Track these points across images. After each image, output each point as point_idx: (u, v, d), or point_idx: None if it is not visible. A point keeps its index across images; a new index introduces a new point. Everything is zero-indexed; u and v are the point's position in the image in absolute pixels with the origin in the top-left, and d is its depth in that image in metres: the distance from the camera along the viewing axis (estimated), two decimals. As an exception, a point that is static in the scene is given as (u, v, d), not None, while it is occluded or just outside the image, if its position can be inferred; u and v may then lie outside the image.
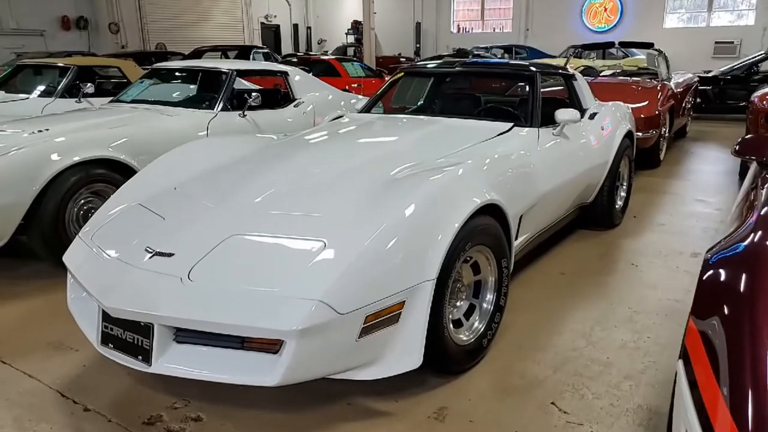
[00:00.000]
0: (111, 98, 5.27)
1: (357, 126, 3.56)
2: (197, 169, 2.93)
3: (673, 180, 6.31)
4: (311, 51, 26.55)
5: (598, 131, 4.10)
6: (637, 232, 4.47)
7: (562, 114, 3.50)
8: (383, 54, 25.49)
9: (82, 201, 3.68)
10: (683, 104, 7.97)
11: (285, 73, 5.57)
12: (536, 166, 3.15)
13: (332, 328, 1.93)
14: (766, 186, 2.24)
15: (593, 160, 3.95)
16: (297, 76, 5.67)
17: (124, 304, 2.05)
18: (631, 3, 21.29)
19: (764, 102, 5.63)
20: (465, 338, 2.49)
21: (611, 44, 9.09)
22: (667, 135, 7.04)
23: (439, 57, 15.04)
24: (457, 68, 4.05)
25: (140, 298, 2.06)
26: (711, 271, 1.65)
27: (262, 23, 25.62)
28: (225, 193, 2.57)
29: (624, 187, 4.67)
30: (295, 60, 11.67)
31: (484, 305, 2.61)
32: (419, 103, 4.24)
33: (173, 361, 2.04)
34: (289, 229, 2.23)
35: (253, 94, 4.85)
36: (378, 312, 2.03)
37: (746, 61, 11.53)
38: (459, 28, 26.02)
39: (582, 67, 8.90)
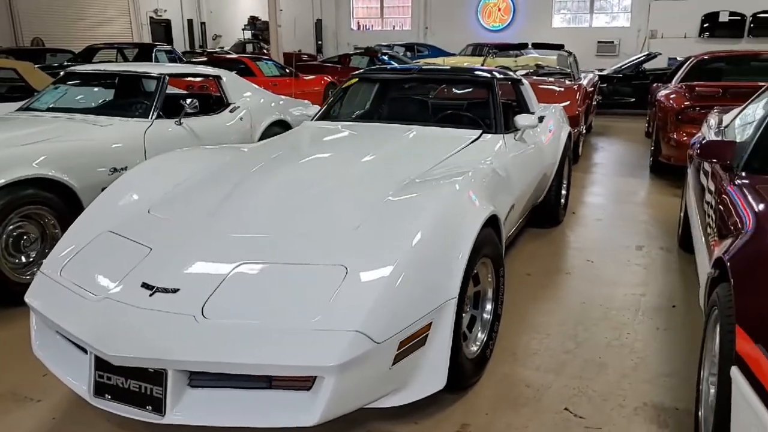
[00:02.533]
0: (19, 106, 4.72)
1: (329, 136, 3.43)
2: (166, 189, 2.69)
3: (594, 175, 6.69)
4: (206, 47, 25.48)
5: (546, 134, 4.25)
6: (580, 228, 4.69)
7: (523, 120, 3.59)
8: (284, 51, 25.03)
9: (11, 227, 3.26)
10: (593, 102, 8.49)
11: (218, 77, 5.28)
12: (508, 171, 3.20)
13: (369, 358, 1.84)
14: (737, 187, 2.40)
15: (546, 162, 4.09)
16: (229, 79, 5.39)
17: (131, 350, 1.83)
18: (522, 3, 22.37)
19: (671, 101, 6.10)
20: (474, 350, 2.48)
21: (525, 45, 9.48)
22: (584, 132, 7.47)
23: (365, 53, 14.92)
24: (414, 74, 4.03)
25: (150, 342, 1.84)
26: (744, 278, 1.73)
27: (150, 18, 24.21)
28: (210, 216, 2.37)
29: (565, 185, 4.89)
30: (204, 59, 11.12)
31: (485, 315, 2.61)
32: (379, 110, 4.17)
33: (192, 408, 1.85)
34: (301, 255, 2.09)
35: (188, 100, 4.54)
36: (409, 337, 1.96)
37: (632, 61, 12.51)
38: (359, 26, 26.07)
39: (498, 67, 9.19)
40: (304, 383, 1.86)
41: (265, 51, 22.65)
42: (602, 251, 4.14)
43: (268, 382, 1.88)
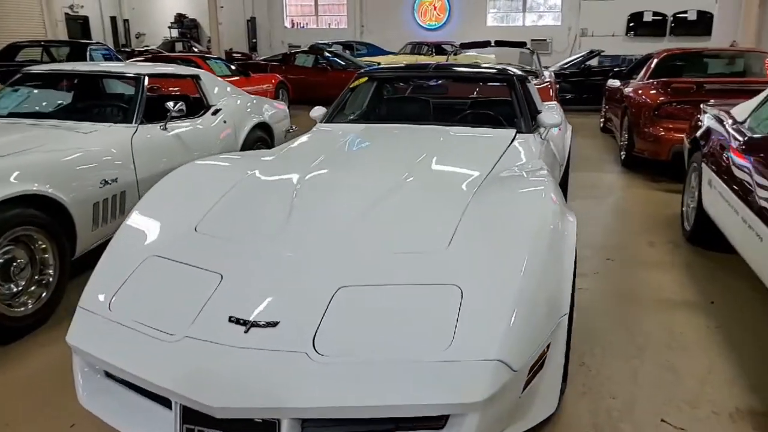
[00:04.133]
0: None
1: (363, 140, 3.17)
2: (204, 204, 2.37)
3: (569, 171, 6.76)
4: (130, 46, 24.13)
5: (557, 132, 4.18)
6: (580, 226, 4.66)
7: (548, 119, 3.49)
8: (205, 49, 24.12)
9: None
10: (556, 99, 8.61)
11: (196, 76, 4.88)
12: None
13: (507, 389, 1.65)
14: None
15: (560, 160, 4.02)
16: (207, 79, 5.01)
17: (237, 400, 1.55)
18: (457, 2, 22.63)
19: (646, 97, 6.24)
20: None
21: (488, 43, 9.50)
22: (554, 129, 7.55)
23: (310, 51, 14.49)
24: (431, 72, 3.84)
25: (258, 388, 1.57)
26: None
27: (66, 14, 22.67)
28: (279, 235, 2.10)
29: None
30: (140, 58, 10.44)
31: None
32: (398, 111, 3.93)
33: (310, 462, 1.60)
34: (403, 276, 1.87)
35: (169, 103, 4.16)
36: (536, 361, 1.79)
37: (576, 59, 12.88)
38: (293, 24, 25.55)
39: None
40: (436, 422, 1.65)
41: (195, 50, 21.77)
42: (617, 249, 4.11)
43: (394, 424, 1.65)
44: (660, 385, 2.46)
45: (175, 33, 25.11)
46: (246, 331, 1.69)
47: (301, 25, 25.50)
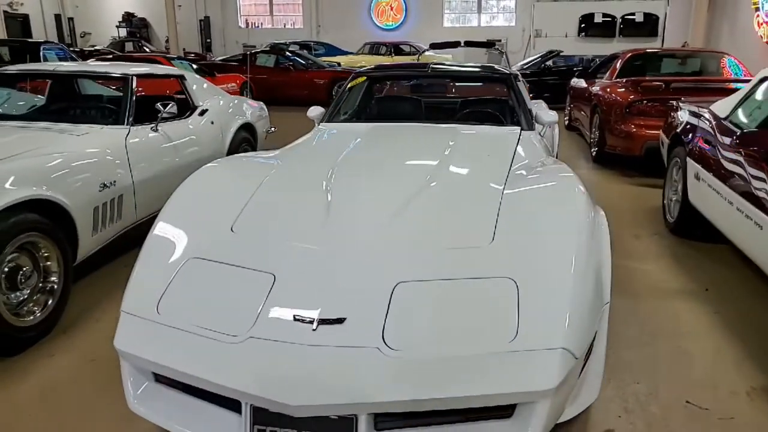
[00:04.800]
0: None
1: (376, 138, 3.17)
2: (234, 204, 2.33)
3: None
4: (76, 46, 23.24)
5: (550, 128, 4.30)
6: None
7: (546, 116, 3.60)
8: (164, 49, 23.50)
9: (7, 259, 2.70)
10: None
11: (181, 77, 4.77)
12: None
13: (571, 375, 1.71)
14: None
15: (553, 155, 4.14)
16: (191, 79, 4.91)
17: (315, 397, 1.55)
18: (414, 3, 22.82)
19: (617, 95, 6.48)
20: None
21: (458, 43, 9.59)
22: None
23: (271, 51, 14.30)
24: (430, 71, 3.89)
25: (335, 384, 1.58)
26: None
27: (5, 12, 21.66)
28: (323, 232, 2.10)
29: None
30: (111, 57, 10.10)
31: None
32: (400, 110, 3.93)
33: (386, 456, 1.61)
34: (455, 270, 1.90)
35: (158, 104, 4.07)
36: (588, 348, 1.86)
37: (536, 59, 13.20)
38: (248, 23, 25.18)
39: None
40: (502, 412, 1.69)
41: (147, 50, 21.17)
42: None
43: (462, 415, 1.68)
44: (677, 369, 2.58)
45: (123, 32, 24.36)
46: (314, 329, 1.69)
47: (256, 25, 25.16)
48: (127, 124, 3.81)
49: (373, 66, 4.05)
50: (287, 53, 14.61)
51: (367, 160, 2.78)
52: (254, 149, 5.47)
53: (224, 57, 15.93)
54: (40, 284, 2.89)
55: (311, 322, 1.71)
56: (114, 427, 2.22)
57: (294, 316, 1.74)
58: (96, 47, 21.49)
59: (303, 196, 2.38)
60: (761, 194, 2.87)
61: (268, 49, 15.01)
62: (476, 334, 1.70)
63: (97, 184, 3.27)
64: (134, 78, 4.07)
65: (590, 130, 7.38)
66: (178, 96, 4.86)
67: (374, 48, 20.17)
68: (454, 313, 1.76)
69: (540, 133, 3.61)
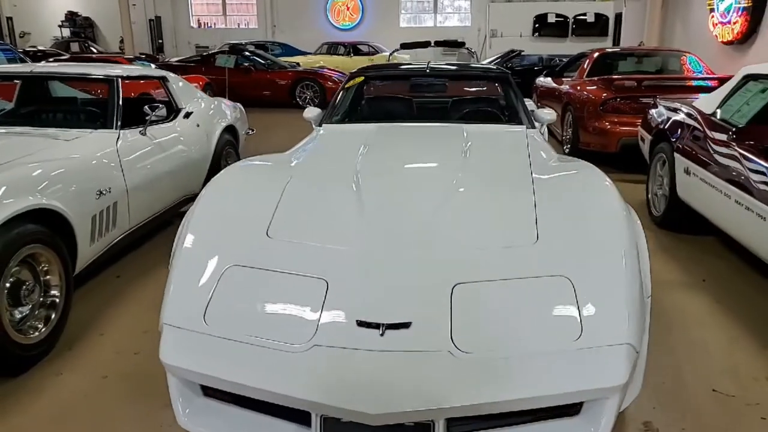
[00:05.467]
0: None
1: (390, 138, 3.14)
2: (264, 208, 2.25)
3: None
4: (15, 46, 22.13)
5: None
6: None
7: (545, 114, 3.65)
8: (113, 50, 22.71)
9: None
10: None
11: (164, 78, 4.61)
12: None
13: (634, 370, 1.73)
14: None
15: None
16: (174, 80, 4.74)
17: (394, 405, 1.51)
18: (370, 3, 22.81)
19: (590, 93, 6.64)
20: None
21: (428, 43, 9.66)
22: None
23: (231, 51, 13.96)
24: (429, 71, 3.87)
25: (410, 390, 1.54)
26: None
27: (-68, 10, 20.55)
28: (359, 236, 2.05)
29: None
30: (67, 57, 9.66)
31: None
32: (403, 110, 3.88)
33: (460, 461, 1.59)
34: (508, 269, 1.89)
35: (146, 107, 3.93)
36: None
37: (496, 59, 13.41)
38: (200, 23, 24.62)
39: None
40: (570, 410, 1.69)
41: (94, 51, 20.39)
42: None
43: (531, 415, 1.68)
44: (698, 359, 2.66)
45: (66, 32, 23.37)
46: (381, 334, 1.65)
47: (209, 25, 24.64)
48: (116, 128, 3.65)
49: (369, 66, 4.01)
50: (247, 53, 14.36)
51: (389, 161, 2.74)
52: (237, 151, 5.34)
53: (181, 58, 15.51)
54: (41, 299, 2.73)
55: (378, 327, 1.66)
56: (146, 446, 2.12)
57: (357, 321, 1.69)
58: (38, 48, 20.53)
59: (332, 199, 2.32)
60: (761, 186, 2.98)
61: (227, 49, 14.68)
62: (541, 334, 1.70)
63: (93, 191, 3.12)
64: (120, 79, 3.90)
65: (562, 128, 7.53)
66: (160, 98, 4.69)
67: (332, 48, 20.04)
68: (516, 313, 1.76)
69: (541, 131, 3.66)
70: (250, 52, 14.56)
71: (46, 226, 2.70)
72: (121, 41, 16.21)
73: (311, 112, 3.84)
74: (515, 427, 1.67)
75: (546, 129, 4.69)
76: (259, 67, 13.72)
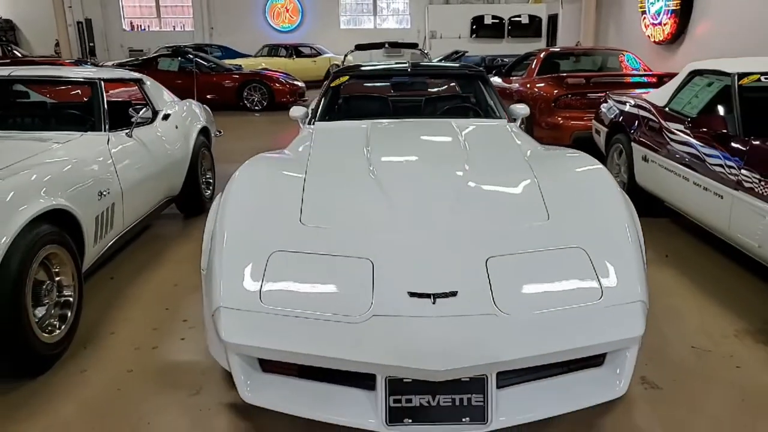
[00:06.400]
0: None
1: (386, 134, 3.31)
2: (291, 199, 2.38)
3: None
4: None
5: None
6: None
7: (520, 109, 3.94)
8: (40, 54, 21.70)
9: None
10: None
11: (140, 81, 4.60)
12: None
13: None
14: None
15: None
16: (150, 83, 4.74)
17: (457, 361, 1.71)
18: (310, 4, 22.85)
19: (542, 90, 7.04)
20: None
21: (383, 44, 9.82)
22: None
23: (174, 54, 13.67)
24: (409, 70, 4.07)
25: (467, 348, 1.74)
26: None
27: None
28: (390, 219, 2.24)
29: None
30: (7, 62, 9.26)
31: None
32: (389, 107, 4.04)
33: (510, 410, 1.81)
34: (530, 243, 2.13)
35: (130, 109, 3.96)
36: (646, 301, 2.15)
37: (441, 60, 13.83)
38: (132, 26, 23.89)
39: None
40: (596, 360, 1.94)
41: (18, 54, 19.44)
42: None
43: (565, 367, 1.91)
44: (675, 322, 2.99)
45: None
46: (433, 302, 1.84)
47: (142, 28, 23.96)
48: (105, 131, 3.66)
49: (352, 65, 4.18)
50: (190, 56, 14.13)
51: (399, 153, 2.92)
52: (210, 152, 5.37)
53: (120, 61, 15.06)
54: (55, 298, 2.75)
55: (429, 297, 1.85)
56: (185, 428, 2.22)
57: (409, 293, 1.87)
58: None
59: (355, 189, 2.48)
60: (717, 169, 3.37)
61: (169, 52, 14.38)
62: (569, 296, 1.93)
63: (96, 192, 3.15)
64: (102, 82, 3.90)
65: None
66: (135, 101, 4.69)
67: (273, 50, 19.90)
68: (544, 279, 1.99)
69: (519, 124, 3.94)
70: (193, 54, 14.33)
71: (58, 228, 2.73)
72: (57, 44, 15.55)
73: (297, 111, 3.96)
74: (551, 379, 1.90)
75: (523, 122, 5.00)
76: (203, 69, 13.53)
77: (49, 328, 2.65)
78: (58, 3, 12.33)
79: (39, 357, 2.52)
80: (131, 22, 23.87)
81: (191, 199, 4.80)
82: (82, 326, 2.95)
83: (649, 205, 4.51)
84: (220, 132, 6.14)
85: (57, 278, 2.76)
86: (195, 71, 9.39)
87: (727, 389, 2.44)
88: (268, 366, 1.94)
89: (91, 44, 21.95)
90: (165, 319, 3.10)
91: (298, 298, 1.93)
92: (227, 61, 17.04)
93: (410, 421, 1.76)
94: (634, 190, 4.58)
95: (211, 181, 5.29)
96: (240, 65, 16.35)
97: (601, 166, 2.59)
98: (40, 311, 2.61)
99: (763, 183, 2.97)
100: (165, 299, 3.34)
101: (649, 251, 3.95)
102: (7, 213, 2.41)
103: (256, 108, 12.91)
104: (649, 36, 11.36)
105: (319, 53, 19.82)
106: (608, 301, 1.93)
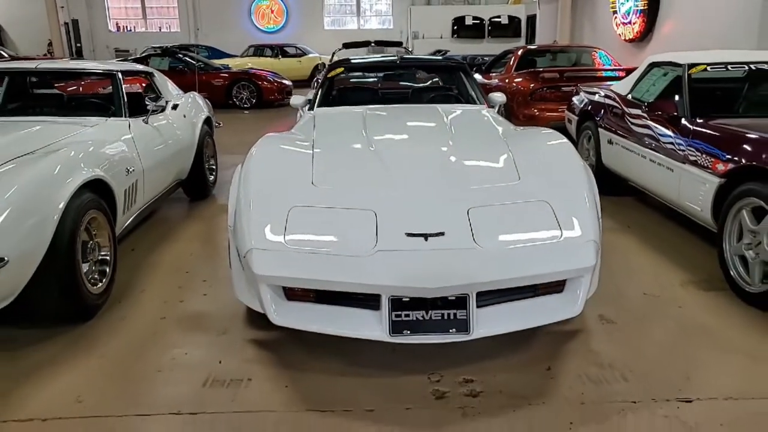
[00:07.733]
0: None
1: (378, 117, 3.73)
2: (303, 167, 2.82)
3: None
4: None
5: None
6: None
7: (498, 97, 4.42)
8: (26, 54, 21.80)
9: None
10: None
11: (150, 74, 5.00)
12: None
13: (598, 261, 2.47)
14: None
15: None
16: (158, 75, 5.15)
17: (446, 281, 2.16)
18: (294, 5, 23.21)
19: (519, 85, 7.55)
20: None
21: (369, 43, 10.28)
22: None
23: (164, 54, 13.98)
24: (398, 62, 4.53)
25: (453, 273, 2.20)
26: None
27: None
28: (388, 181, 2.69)
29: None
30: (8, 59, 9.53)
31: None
32: (380, 95, 4.49)
33: (488, 324, 2.27)
34: (503, 198, 2.59)
35: (146, 97, 4.36)
36: (599, 246, 2.63)
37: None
38: (118, 27, 24.08)
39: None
40: (558, 287, 2.41)
41: (5, 55, 19.54)
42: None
43: (533, 291, 2.38)
44: (630, 275, 3.49)
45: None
46: (426, 240, 2.30)
47: (128, 29, 24.15)
48: (125, 117, 4.07)
49: (346, 58, 4.62)
50: (179, 55, 14.46)
51: (393, 130, 3.39)
52: (213, 141, 5.77)
53: (110, 61, 15.32)
54: (99, 257, 3.16)
55: (422, 236, 2.31)
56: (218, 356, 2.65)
57: (406, 233, 2.33)
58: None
59: (357, 158, 2.94)
60: (669, 146, 3.87)
61: (158, 52, 14.70)
62: (535, 236, 2.40)
63: (124, 169, 3.56)
64: (120, 74, 4.30)
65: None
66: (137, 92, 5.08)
67: (259, 50, 20.23)
68: (515, 224, 2.45)
69: (497, 111, 4.42)
70: (182, 54, 14.66)
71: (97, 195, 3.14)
72: (50, 44, 15.76)
73: (297, 99, 4.42)
74: (521, 301, 2.36)
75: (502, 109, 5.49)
76: (192, 69, 13.86)
77: (93, 280, 3.05)
78: (51, 3, 12.58)
79: (87, 305, 2.92)
80: (117, 23, 24.05)
81: (197, 183, 5.20)
82: (114, 287, 3.36)
83: (615, 185, 5.01)
84: (219, 123, 6.54)
85: (96, 239, 3.18)
86: (196, 65, 9.76)
87: (669, 323, 2.93)
88: (292, 294, 2.37)
89: (78, 45, 22.10)
90: (187, 280, 3.52)
91: (317, 240, 2.37)
92: (214, 61, 17.40)
93: (408, 332, 2.22)
94: (601, 171, 5.08)
95: (214, 167, 5.70)
96: (228, 65, 16.72)
97: (566, 140, 3.07)
98: (85, 266, 3.02)
99: (704, 156, 3.47)
100: (184, 265, 3.76)
101: (613, 222, 4.47)
102: (59, 183, 2.82)
103: (245, 106, 13.27)
104: (620, 35, 11.96)
105: (304, 53, 20.19)
106: (567, 241, 2.40)
